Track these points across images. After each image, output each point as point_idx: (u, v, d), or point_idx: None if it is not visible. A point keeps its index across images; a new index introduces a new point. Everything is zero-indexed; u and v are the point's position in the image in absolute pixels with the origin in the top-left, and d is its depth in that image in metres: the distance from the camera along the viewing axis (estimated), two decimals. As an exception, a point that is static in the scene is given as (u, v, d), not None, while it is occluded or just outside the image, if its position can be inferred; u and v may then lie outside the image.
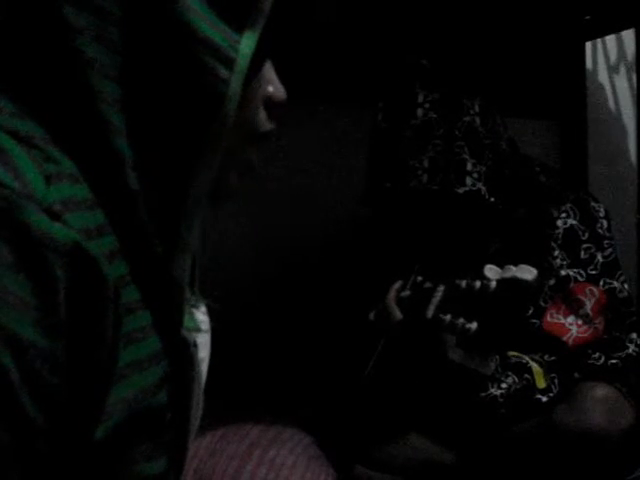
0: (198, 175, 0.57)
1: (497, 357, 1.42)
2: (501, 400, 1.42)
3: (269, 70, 0.66)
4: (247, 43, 0.58)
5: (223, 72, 0.56)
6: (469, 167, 1.45)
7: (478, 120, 1.48)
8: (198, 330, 0.67)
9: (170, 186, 0.57)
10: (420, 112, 1.47)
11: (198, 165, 0.57)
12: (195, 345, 0.66)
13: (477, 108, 1.49)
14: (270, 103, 0.66)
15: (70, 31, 0.54)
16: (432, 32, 1.91)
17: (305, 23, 1.74)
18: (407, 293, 1.43)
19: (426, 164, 1.45)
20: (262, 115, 0.65)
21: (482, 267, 1.24)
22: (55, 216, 0.49)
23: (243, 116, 0.62)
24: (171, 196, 0.57)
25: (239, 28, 0.57)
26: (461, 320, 1.24)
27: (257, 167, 0.67)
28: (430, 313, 1.28)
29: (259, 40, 0.59)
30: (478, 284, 1.20)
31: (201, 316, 0.71)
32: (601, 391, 1.40)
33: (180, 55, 0.55)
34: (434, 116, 1.46)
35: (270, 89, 0.66)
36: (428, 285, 1.35)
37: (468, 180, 1.45)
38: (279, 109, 0.66)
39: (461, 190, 1.44)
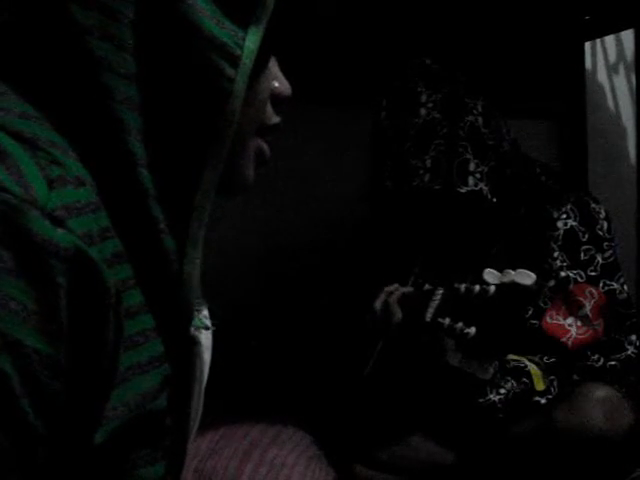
0: (206, 170, 0.58)
1: (496, 362, 1.42)
2: (499, 406, 1.42)
3: (274, 66, 0.67)
4: (252, 39, 0.58)
5: (229, 70, 0.57)
6: (472, 167, 1.45)
7: (481, 120, 1.47)
8: (206, 328, 0.68)
9: (180, 182, 0.58)
10: (423, 111, 1.47)
11: (206, 160, 0.58)
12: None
13: (480, 108, 1.48)
14: (276, 98, 0.67)
15: (79, 30, 0.55)
16: (433, 31, 1.91)
17: (305, 22, 1.73)
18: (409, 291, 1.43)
19: (428, 164, 1.45)
20: (269, 110, 0.67)
21: (482, 268, 1.24)
22: (57, 222, 0.49)
23: (251, 111, 0.64)
24: (181, 192, 0.58)
25: (244, 24, 0.58)
26: (460, 325, 1.24)
27: (270, 157, 0.69)
28: (429, 316, 1.28)
29: (264, 36, 0.59)
30: (477, 288, 1.20)
31: (204, 319, 0.71)
32: (601, 392, 1.40)
33: (187, 54, 0.56)
34: (437, 116, 1.46)
35: (276, 84, 0.67)
36: (427, 287, 1.35)
37: (470, 180, 1.44)
38: (285, 104, 0.68)
39: (463, 190, 1.44)
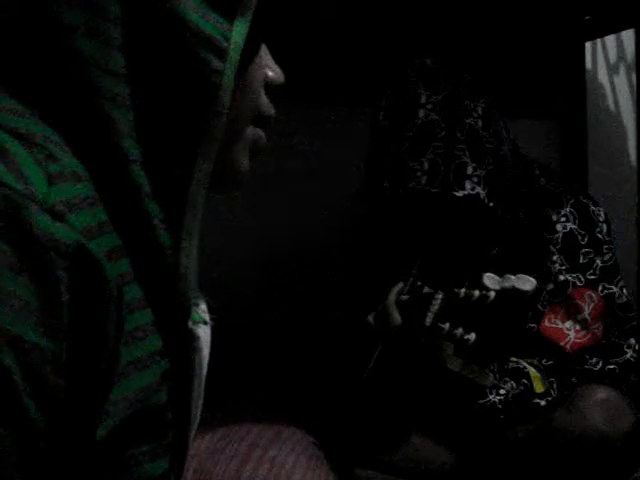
0: (198, 163, 0.58)
1: (495, 364, 1.42)
2: (500, 407, 1.42)
3: (265, 55, 0.67)
4: (238, 31, 0.58)
5: (216, 63, 0.57)
6: (469, 171, 1.44)
7: (480, 123, 1.47)
8: (204, 322, 0.68)
9: (173, 175, 0.58)
10: (422, 113, 1.46)
11: (198, 154, 0.58)
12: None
13: (480, 111, 1.47)
14: (270, 87, 0.67)
15: (64, 28, 0.55)
16: (433, 31, 1.91)
17: (306, 22, 1.73)
18: (406, 297, 1.42)
19: (426, 166, 1.44)
20: (264, 99, 0.67)
21: (481, 272, 1.24)
22: (58, 216, 0.49)
23: (245, 101, 0.64)
24: (174, 185, 0.58)
25: (230, 16, 0.58)
26: (460, 330, 1.24)
27: (266, 148, 0.69)
28: (429, 321, 1.28)
29: (251, 26, 0.59)
30: (477, 294, 1.20)
31: (202, 313, 0.71)
32: (601, 394, 1.41)
33: (173, 48, 0.56)
34: (436, 117, 1.45)
35: (269, 73, 0.67)
36: (427, 290, 1.35)
37: (467, 184, 1.43)
38: (279, 92, 0.68)
39: (460, 194, 1.43)
